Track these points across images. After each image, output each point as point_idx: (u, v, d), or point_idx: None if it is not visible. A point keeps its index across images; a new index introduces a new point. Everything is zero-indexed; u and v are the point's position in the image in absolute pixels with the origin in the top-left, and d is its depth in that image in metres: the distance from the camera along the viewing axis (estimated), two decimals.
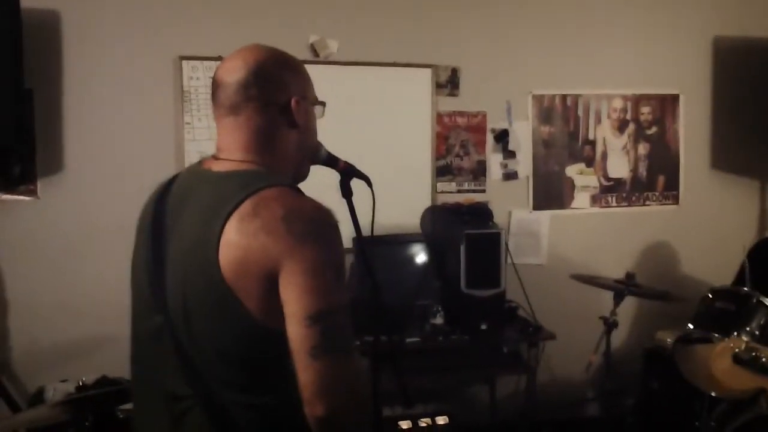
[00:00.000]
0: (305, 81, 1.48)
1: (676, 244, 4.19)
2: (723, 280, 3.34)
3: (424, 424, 3.04)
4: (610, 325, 3.11)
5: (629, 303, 3.48)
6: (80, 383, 2.59)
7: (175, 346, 1.32)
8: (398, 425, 3.01)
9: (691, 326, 2.83)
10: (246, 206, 1.26)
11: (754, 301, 2.69)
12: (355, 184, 1.61)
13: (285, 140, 1.43)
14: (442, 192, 3.83)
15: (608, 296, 3.20)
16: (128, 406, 2.36)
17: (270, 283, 1.24)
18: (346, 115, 3.47)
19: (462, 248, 3.33)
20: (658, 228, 4.17)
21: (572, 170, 4.03)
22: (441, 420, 3.07)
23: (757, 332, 2.62)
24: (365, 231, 1.60)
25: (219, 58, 1.51)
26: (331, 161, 1.60)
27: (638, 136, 4.11)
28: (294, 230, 1.24)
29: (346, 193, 1.60)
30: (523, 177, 3.95)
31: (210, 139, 3.40)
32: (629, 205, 4.13)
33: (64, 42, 3.30)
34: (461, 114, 3.83)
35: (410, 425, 3.03)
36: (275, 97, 1.41)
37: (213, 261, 1.25)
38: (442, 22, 3.76)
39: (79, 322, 3.30)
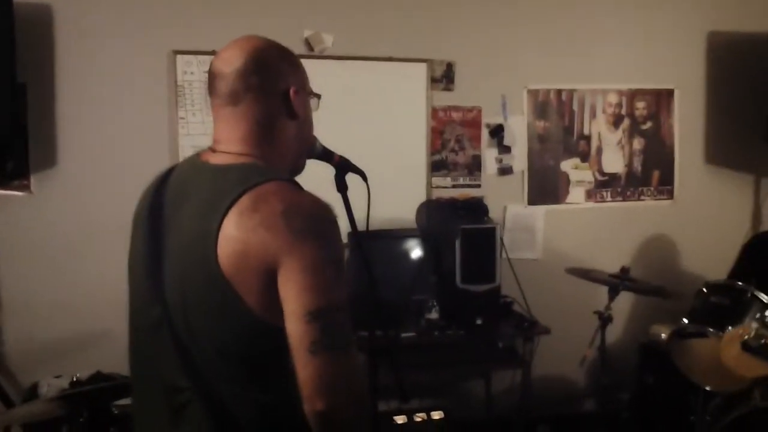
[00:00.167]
0: (302, 72, 1.47)
1: (671, 239, 4.20)
2: (718, 275, 3.36)
3: (419, 419, 3.04)
4: (605, 319, 3.11)
5: (624, 298, 3.48)
6: (74, 379, 2.59)
7: (173, 339, 1.31)
8: (394, 420, 3.01)
9: (686, 321, 2.84)
10: (245, 201, 1.26)
11: (749, 295, 2.71)
12: (350, 178, 1.61)
13: (284, 131, 1.43)
14: (437, 187, 3.82)
15: (603, 291, 3.20)
16: (123, 401, 2.36)
17: (269, 278, 1.23)
18: (341, 109, 3.46)
19: (457, 243, 3.34)
20: (653, 223, 4.17)
21: (567, 165, 4.03)
22: (436, 415, 3.08)
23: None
24: (360, 226, 1.59)
25: (213, 53, 1.50)
26: (326, 155, 1.60)
27: (633, 131, 4.11)
28: (293, 226, 1.23)
29: (341, 187, 1.60)
30: (518, 172, 3.94)
31: (204, 134, 3.38)
32: (624, 200, 4.13)
33: (57, 36, 3.28)
34: (456, 109, 3.82)
35: (405, 420, 3.03)
36: (275, 86, 1.40)
37: (212, 256, 1.24)
38: (437, 17, 3.75)
39: (74, 317, 3.29)
